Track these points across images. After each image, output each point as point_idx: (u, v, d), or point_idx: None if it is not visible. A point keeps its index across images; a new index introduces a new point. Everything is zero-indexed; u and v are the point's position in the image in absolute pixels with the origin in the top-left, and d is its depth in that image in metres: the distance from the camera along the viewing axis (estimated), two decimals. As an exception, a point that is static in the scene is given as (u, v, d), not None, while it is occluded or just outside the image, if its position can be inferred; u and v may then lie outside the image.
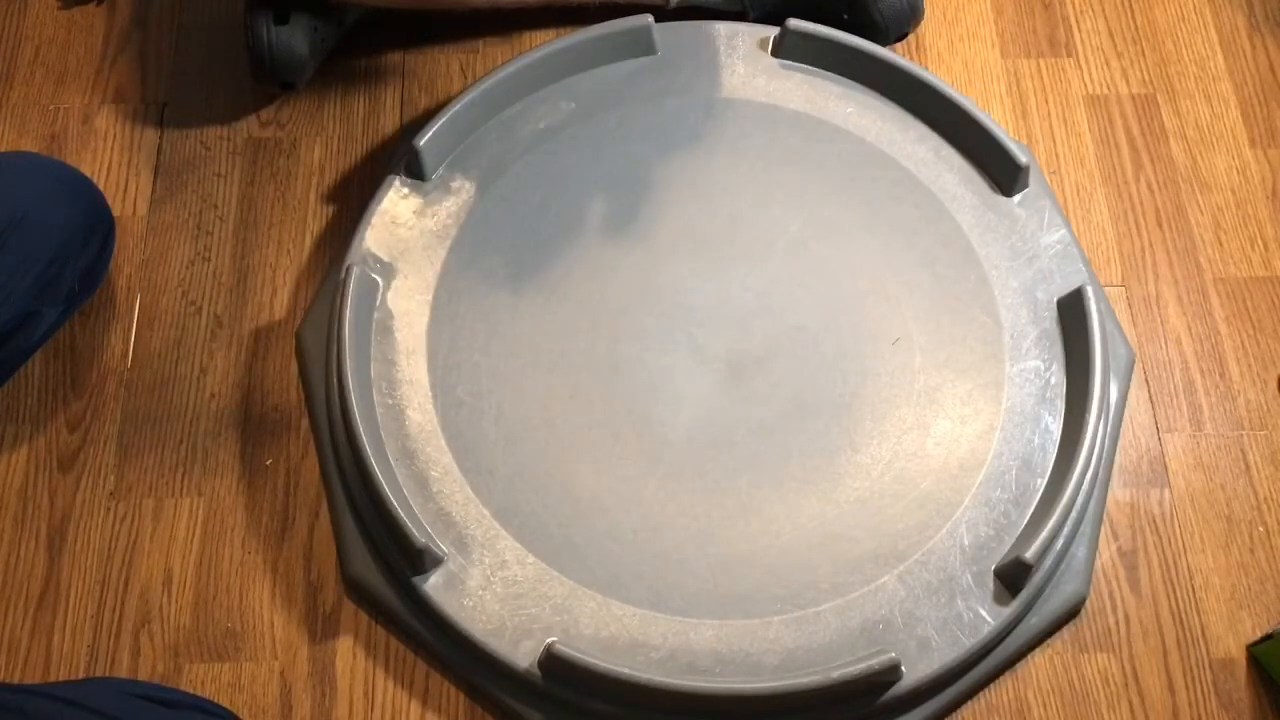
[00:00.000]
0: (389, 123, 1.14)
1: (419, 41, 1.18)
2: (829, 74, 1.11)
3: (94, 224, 0.98)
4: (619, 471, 0.95)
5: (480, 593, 0.90)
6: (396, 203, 1.04)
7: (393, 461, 0.94)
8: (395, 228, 1.03)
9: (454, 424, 0.96)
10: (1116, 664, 0.94)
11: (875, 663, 0.85)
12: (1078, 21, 1.22)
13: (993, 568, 0.91)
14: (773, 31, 1.12)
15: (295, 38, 1.06)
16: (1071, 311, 1.00)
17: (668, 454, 0.96)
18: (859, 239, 1.05)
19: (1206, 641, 0.95)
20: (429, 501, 0.93)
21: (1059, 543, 0.92)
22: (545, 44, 1.08)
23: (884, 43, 1.12)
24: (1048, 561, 0.91)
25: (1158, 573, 0.97)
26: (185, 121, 1.14)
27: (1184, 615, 0.96)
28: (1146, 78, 1.19)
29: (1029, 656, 0.94)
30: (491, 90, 1.06)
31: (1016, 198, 1.06)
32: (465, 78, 1.17)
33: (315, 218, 1.10)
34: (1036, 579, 0.91)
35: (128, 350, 1.04)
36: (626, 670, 0.85)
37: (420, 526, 0.90)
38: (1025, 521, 0.93)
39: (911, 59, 1.16)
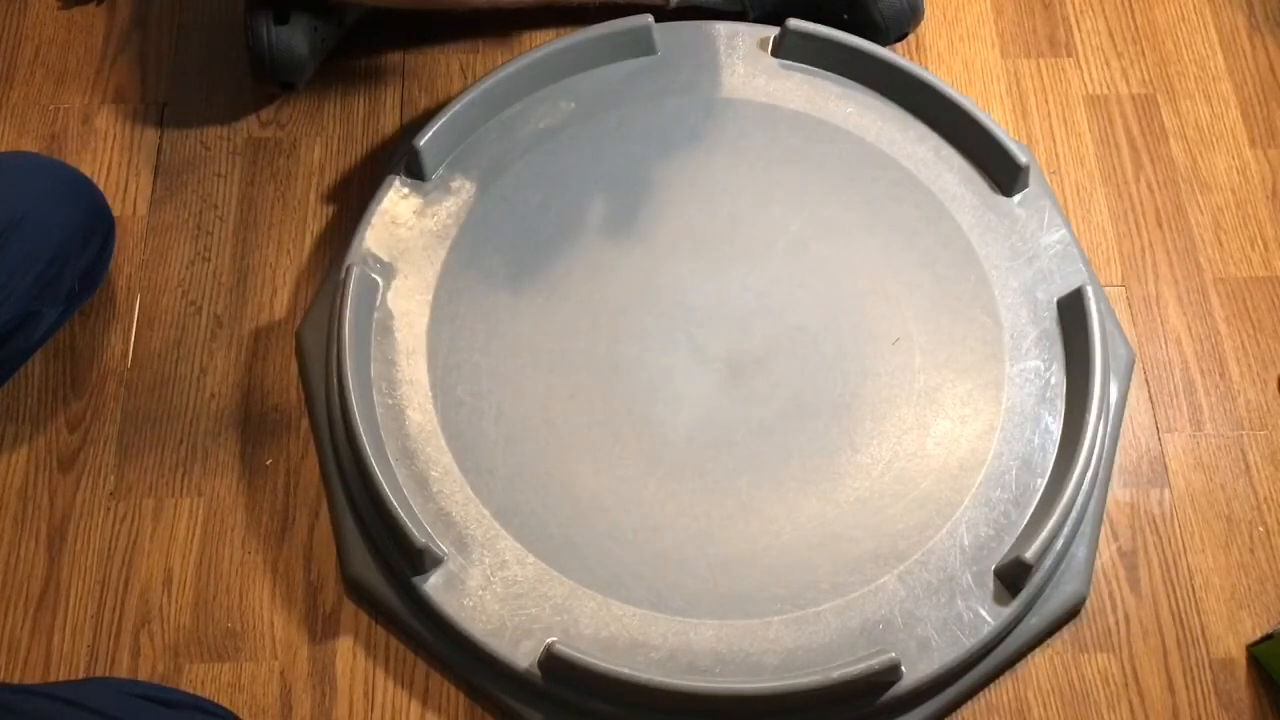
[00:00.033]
0: (389, 123, 1.14)
1: (419, 41, 1.18)
2: (829, 74, 1.11)
3: (94, 224, 0.98)
4: (619, 471, 0.95)
5: (480, 593, 0.90)
6: (396, 203, 1.04)
7: (393, 461, 0.94)
8: (395, 228, 1.03)
9: (454, 424, 0.96)
10: (1116, 664, 0.94)
11: (875, 663, 0.85)
12: (1078, 21, 1.22)
13: (993, 568, 0.91)
14: (773, 31, 1.12)
15: (295, 38, 1.06)
16: (1071, 311, 1.00)
17: (668, 454, 0.96)
18: (859, 239, 1.05)
19: (1206, 641, 0.95)
20: (429, 501, 0.93)
21: (1059, 543, 0.92)
22: (545, 44, 1.08)
23: (884, 43, 1.12)
24: (1048, 561, 0.92)
25: (1158, 573, 0.97)
26: (185, 121, 1.14)
27: (1184, 615, 0.96)
28: (1146, 78, 1.19)
29: (1029, 656, 0.94)
30: (491, 90, 1.06)
31: (1016, 198, 1.06)
32: (465, 78, 1.17)
33: (315, 218, 1.10)
34: (1036, 579, 0.91)
35: (128, 350, 1.04)
36: (626, 670, 0.85)
37: (420, 526, 0.90)
38: (1025, 521, 0.93)
39: (911, 59, 1.16)
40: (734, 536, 0.93)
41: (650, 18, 1.10)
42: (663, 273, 1.03)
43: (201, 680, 0.92)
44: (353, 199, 1.10)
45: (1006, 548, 0.92)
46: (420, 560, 0.89)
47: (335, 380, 0.95)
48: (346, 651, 0.93)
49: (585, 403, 0.98)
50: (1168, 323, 1.07)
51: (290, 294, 1.06)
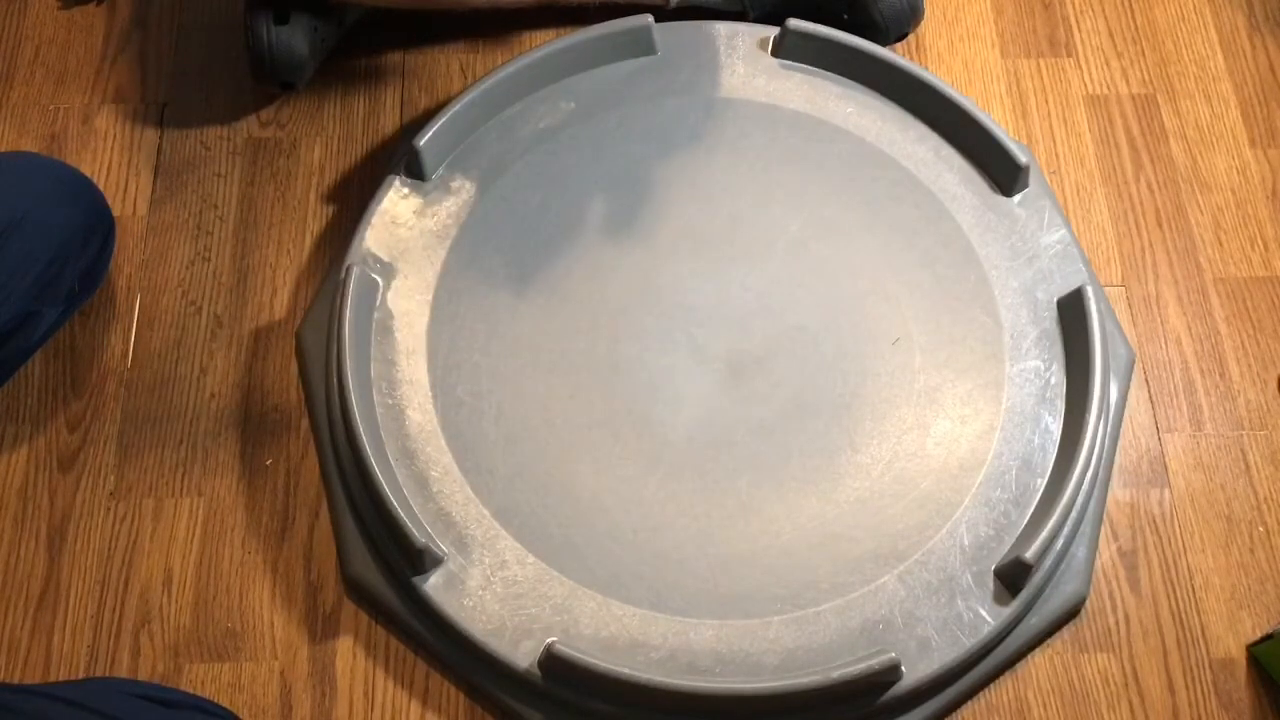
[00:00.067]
0: (389, 123, 1.14)
1: (419, 41, 1.18)
2: (829, 74, 1.11)
3: (94, 224, 0.98)
4: (619, 471, 0.95)
5: (480, 593, 0.90)
6: (396, 203, 1.04)
7: (393, 461, 0.94)
8: (395, 228, 1.03)
9: (454, 424, 0.96)
10: (1116, 664, 0.94)
11: (875, 663, 0.85)
12: (1078, 21, 1.22)
13: (993, 568, 0.91)
14: (773, 31, 1.12)
15: (295, 38, 1.06)
16: (1071, 311, 1.00)
17: (668, 454, 0.96)
18: (859, 239, 1.05)
19: (1206, 641, 0.95)
20: (429, 501, 0.93)
21: (1059, 543, 0.92)
22: (545, 44, 1.08)
23: (884, 43, 1.12)
24: (1048, 561, 0.92)
25: (1158, 573, 0.97)
26: (185, 121, 1.14)
27: (1184, 615, 0.96)
28: (1146, 78, 1.19)
29: (1029, 656, 0.94)
30: (491, 90, 1.06)
31: (1016, 198, 1.06)
32: (465, 78, 1.17)
33: (315, 218, 1.10)
34: (1036, 579, 0.91)
35: (128, 350, 1.04)
36: (626, 670, 0.85)
37: (420, 526, 0.90)
38: (1025, 521, 0.93)
39: (911, 59, 1.16)
40: (734, 536, 0.93)
41: (650, 18, 1.10)
42: (663, 273, 1.03)
43: (201, 680, 0.92)
44: (353, 199, 1.10)
45: (1006, 548, 0.92)
46: (420, 560, 0.89)
47: (335, 380, 0.95)
48: (346, 651, 0.93)
49: (585, 403, 0.98)
50: (1168, 323, 1.07)
51: (290, 294, 1.06)
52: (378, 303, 1.00)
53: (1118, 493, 1.00)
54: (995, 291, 1.02)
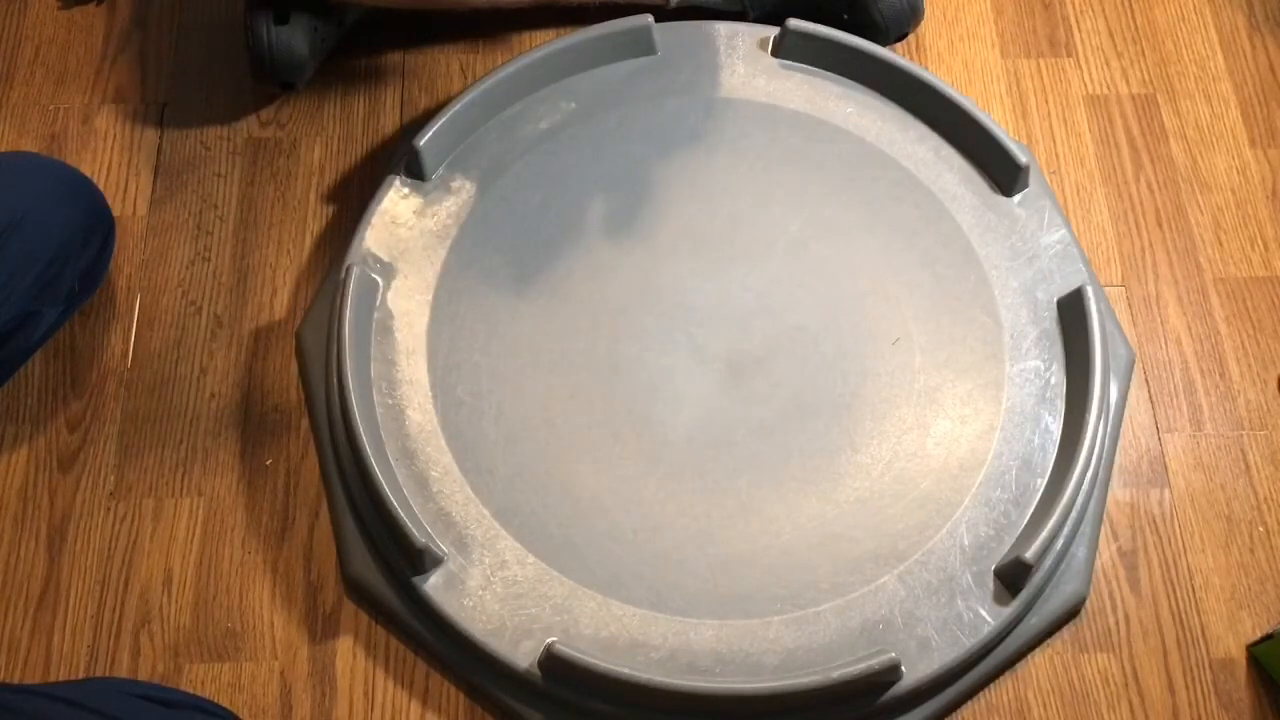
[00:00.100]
0: (389, 123, 1.14)
1: (419, 41, 1.18)
2: (829, 74, 1.11)
3: (94, 224, 0.98)
4: (619, 471, 0.95)
5: (480, 593, 0.90)
6: (396, 203, 1.04)
7: (393, 461, 0.94)
8: (395, 228, 1.03)
9: (454, 424, 0.96)
10: (1116, 664, 0.94)
11: (875, 663, 0.85)
12: (1078, 21, 1.22)
13: (993, 568, 0.91)
14: (773, 31, 1.12)
15: (295, 38, 1.06)
16: (1071, 311, 1.00)
17: (668, 454, 0.96)
18: (859, 239, 1.05)
19: (1206, 641, 0.95)
20: (429, 501, 0.93)
21: (1059, 543, 0.92)
22: (545, 44, 1.08)
23: (884, 43, 1.12)
24: (1048, 561, 0.92)
25: (1158, 573, 0.97)
26: (185, 121, 1.14)
27: (1184, 615, 0.96)
28: (1146, 78, 1.19)
29: (1029, 656, 0.94)
30: (491, 90, 1.06)
31: (1016, 198, 1.06)
32: (465, 78, 1.17)
33: (315, 218, 1.10)
34: (1036, 579, 0.91)
35: (128, 350, 1.04)
36: (626, 670, 0.85)
37: (420, 526, 0.90)
38: (1025, 521, 0.93)
39: (911, 59, 1.16)
40: (734, 536, 0.93)
41: (650, 18, 1.10)
42: (663, 273, 1.03)
43: (201, 680, 0.92)
44: (353, 199, 1.10)
45: (1006, 548, 0.92)
46: (420, 560, 0.89)
47: (335, 380, 0.95)
48: (346, 651, 0.93)
49: (585, 403, 0.98)
50: (1168, 323, 1.07)
51: (290, 294, 1.06)
52: (378, 303, 1.00)
53: (1118, 493, 1.00)
54: (995, 291, 1.02)
